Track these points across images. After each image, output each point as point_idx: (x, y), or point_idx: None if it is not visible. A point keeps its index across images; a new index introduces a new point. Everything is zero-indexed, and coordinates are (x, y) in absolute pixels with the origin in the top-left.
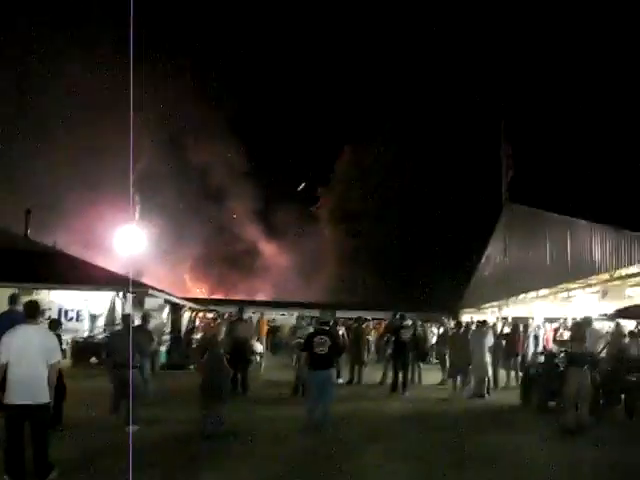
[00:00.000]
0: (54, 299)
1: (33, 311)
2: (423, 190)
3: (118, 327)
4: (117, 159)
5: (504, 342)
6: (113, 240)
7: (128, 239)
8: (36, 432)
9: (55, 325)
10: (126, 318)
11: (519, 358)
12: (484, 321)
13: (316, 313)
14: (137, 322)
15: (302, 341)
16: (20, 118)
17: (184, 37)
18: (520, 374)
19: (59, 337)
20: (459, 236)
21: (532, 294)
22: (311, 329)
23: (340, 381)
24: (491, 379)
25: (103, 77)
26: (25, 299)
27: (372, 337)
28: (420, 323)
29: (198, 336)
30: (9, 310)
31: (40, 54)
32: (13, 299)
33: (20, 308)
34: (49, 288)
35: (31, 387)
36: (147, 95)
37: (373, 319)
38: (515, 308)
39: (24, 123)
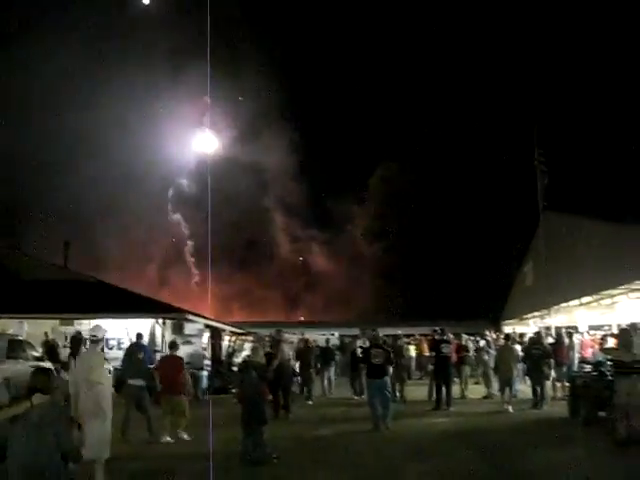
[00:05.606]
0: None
1: None
2: (458, 201)
3: None
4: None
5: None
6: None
7: None
8: None
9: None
10: None
11: (564, 368)
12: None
13: (356, 332)
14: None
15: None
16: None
17: None
18: (567, 385)
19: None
20: (497, 247)
21: (575, 302)
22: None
23: None
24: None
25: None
26: (66, 329)
27: (412, 354)
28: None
29: (239, 360)
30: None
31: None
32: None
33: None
34: (89, 318)
35: None
36: None
37: (412, 335)
38: (558, 317)
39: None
